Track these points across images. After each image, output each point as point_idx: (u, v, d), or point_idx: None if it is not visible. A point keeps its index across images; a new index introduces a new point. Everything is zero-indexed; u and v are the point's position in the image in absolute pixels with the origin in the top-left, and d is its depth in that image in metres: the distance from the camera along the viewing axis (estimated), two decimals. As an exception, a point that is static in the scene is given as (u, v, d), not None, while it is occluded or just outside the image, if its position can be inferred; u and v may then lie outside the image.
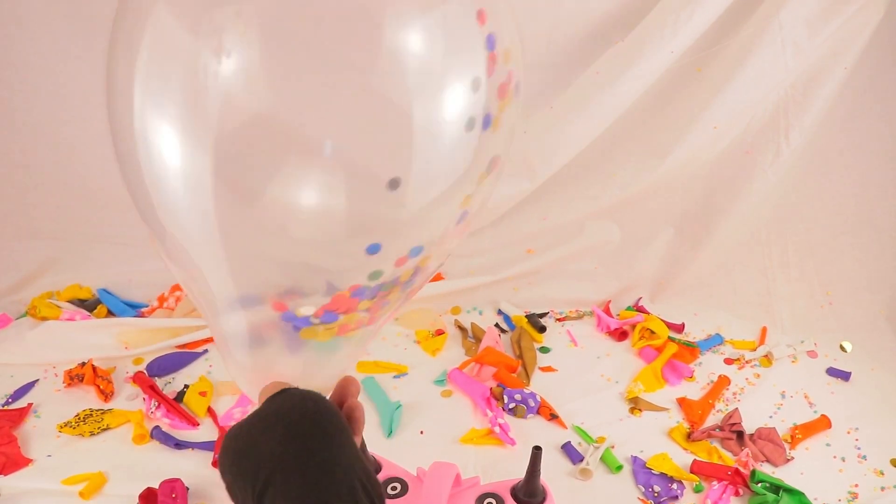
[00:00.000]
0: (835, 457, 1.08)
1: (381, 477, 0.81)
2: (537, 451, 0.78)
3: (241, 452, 0.50)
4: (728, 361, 1.30)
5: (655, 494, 0.99)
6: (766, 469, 1.03)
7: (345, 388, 0.58)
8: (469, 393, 1.19)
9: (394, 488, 0.79)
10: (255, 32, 0.46)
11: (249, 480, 0.48)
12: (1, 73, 1.32)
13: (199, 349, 1.30)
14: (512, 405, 1.15)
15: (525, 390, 1.17)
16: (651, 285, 1.53)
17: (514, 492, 0.79)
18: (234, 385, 1.21)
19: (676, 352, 1.31)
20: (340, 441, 0.50)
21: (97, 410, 1.12)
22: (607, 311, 1.47)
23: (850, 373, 1.25)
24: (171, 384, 1.21)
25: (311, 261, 0.57)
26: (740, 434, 1.10)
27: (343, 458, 0.49)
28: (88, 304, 1.41)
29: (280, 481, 0.46)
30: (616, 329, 1.39)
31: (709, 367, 1.29)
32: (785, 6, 1.23)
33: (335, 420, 0.51)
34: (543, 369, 1.29)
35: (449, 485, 0.77)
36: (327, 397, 0.57)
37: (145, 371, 1.22)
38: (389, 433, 1.10)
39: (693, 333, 1.40)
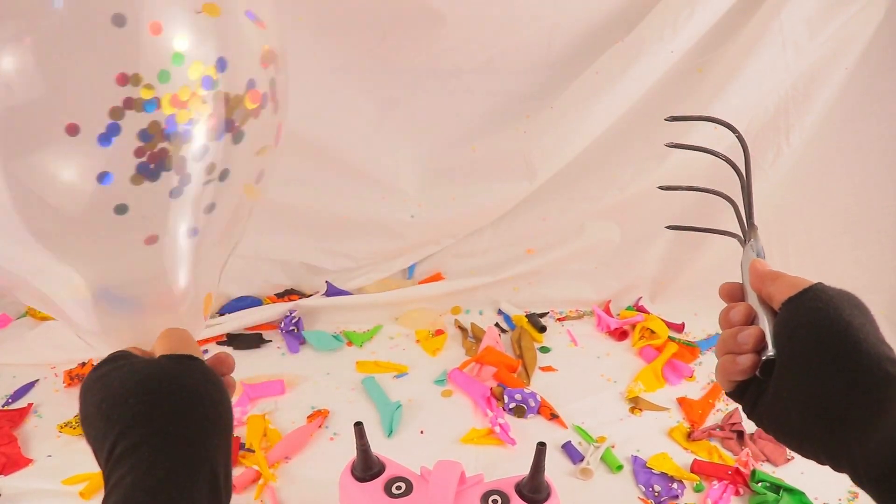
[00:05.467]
0: (835, 456, 1.08)
1: (385, 477, 0.81)
2: (542, 446, 0.78)
3: (112, 402, 0.46)
4: (728, 361, 1.30)
5: (656, 494, 0.99)
6: (766, 469, 1.03)
7: (223, 361, 0.56)
8: (469, 393, 1.19)
9: (398, 488, 0.79)
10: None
11: (109, 436, 0.45)
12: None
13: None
14: (512, 405, 1.15)
15: (525, 390, 1.17)
16: (651, 285, 1.53)
17: (519, 488, 0.79)
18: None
19: (676, 351, 1.31)
20: (219, 428, 0.48)
21: (97, 410, 1.12)
22: (607, 311, 1.47)
23: (850, 373, 1.25)
24: (171, 384, 1.21)
25: None
26: (741, 434, 1.10)
27: (209, 442, 0.47)
28: (88, 304, 1.41)
29: (143, 444, 0.44)
30: (616, 329, 1.39)
31: (709, 366, 1.29)
32: (785, 7, 1.23)
33: (224, 413, 0.50)
34: (544, 369, 1.29)
35: (455, 483, 0.77)
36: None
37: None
38: (389, 433, 1.10)
39: (693, 333, 1.40)
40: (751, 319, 0.50)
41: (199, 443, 0.46)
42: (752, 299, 0.51)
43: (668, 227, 0.69)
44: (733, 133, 0.58)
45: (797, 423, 0.45)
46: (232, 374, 0.57)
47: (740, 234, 0.58)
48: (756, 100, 1.32)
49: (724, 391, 0.52)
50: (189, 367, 0.50)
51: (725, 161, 0.58)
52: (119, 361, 0.50)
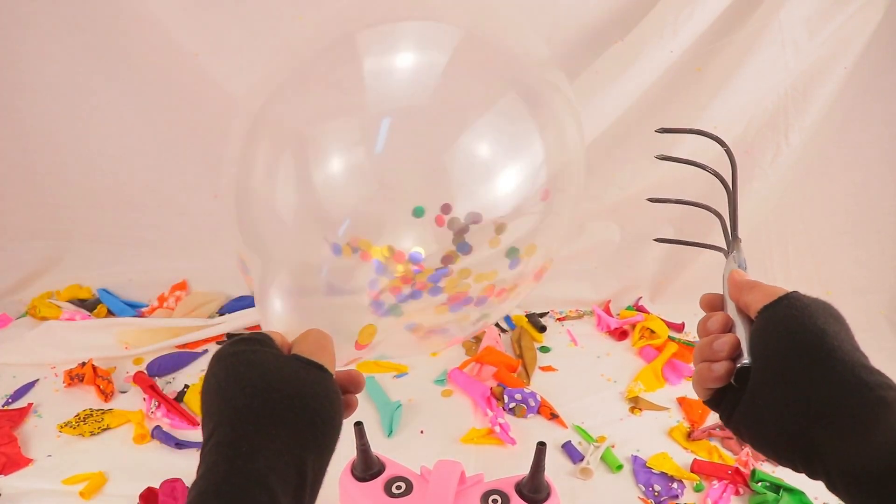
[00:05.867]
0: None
1: (385, 476, 0.81)
2: (542, 446, 0.77)
3: (231, 382, 0.46)
4: (728, 361, 1.30)
5: (656, 494, 0.99)
6: (766, 468, 1.03)
7: (354, 379, 0.55)
8: (469, 393, 1.19)
9: (398, 487, 0.79)
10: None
11: (219, 417, 0.45)
12: (2, 73, 1.32)
13: (199, 349, 1.30)
14: (512, 405, 1.15)
15: (525, 390, 1.17)
16: (651, 285, 1.53)
17: (519, 488, 0.78)
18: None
19: (676, 351, 1.32)
20: (324, 446, 0.47)
21: (97, 410, 1.12)
22: (607, 311, 1.47)
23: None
24: (171, 384, 1.21)
25: None
26: (740, 433, 1.10)
27: (307, 456, 0.46)
28: (88, 304, 1.41)
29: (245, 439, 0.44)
30: (616, 328, 1.39)
31: (709, 366, 1.29)
32: (785, 6, 1.24)
33: (331, 432, 0.48)
34: (544, 369, 1.29)
35: (455, 482, 0.77)
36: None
37: (145, 371, 1.22)
38: (390, 433, 1.10)
39: (693, 333, 1.40)
40: (728, 328, 0.51)
41: (297, 454, 0.45)
42: (731, 309, 0.51)
43: (657, 240, 0.70)
44: (721, 146, 0.59)
45: (772, 431, 0.45)
46: (356, 395, 0.56)
47: (724, 247, 0.59)
48: (755, 99, 1.32)
49: (701, 399, 0.52)
50: (316, 376, 0.49)
51: (713, 175, 0.59)
52: (255, 346, 0.49)
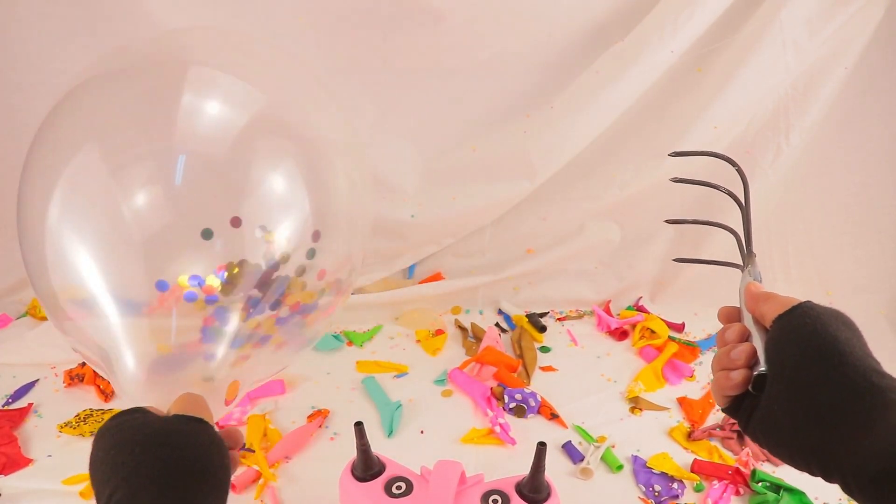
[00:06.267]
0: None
1: (385, 476, 0.81)
2: (542, 446, 0.78)
3: (120, 449, 0.49)
4: (728, 361, 1.30)
5: (656, 494, 0.99)
6: (766, 468, 1.03)
7: (233, 436, 0.60)
8: (469, 393, 1.19)
9: (399, 487, 0.79)
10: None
11: (113, 480, 0.48)
12: (2, 73, 1.32)
13: (200, 349, 1.30)
14: (512, 405, 1.15)
15: (525, 390, 1.17)
16: (651, 285, 1.53)
17: (519, 488, 0.79)
18: (235, 385, 1.20)
19: (677, 351, 1.32)
20: (217, 490, 0.51)
21: (97, 410, 1.12)
22: (607, 311, 1.47)
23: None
24: (171, 384, 1.21)
25: None
26: (741, 433, 1.10)
27: (204, 500, 0.49)
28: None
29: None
30: (616, 329, 1.39)
31: (709, 366, 1.29)
32: (785, 6, 1.24)
33: (222, 475, 0.52)
34: (544, 369, 1.29)
35: (455, 483, 0.77)
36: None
37: (145, 371, 1.22)
38: (390, 433, 1.10)
39: (693, 333, 1.40)
40: (745, 338, 0.52)
41: (194, 499, 0.49)
42: (748, 320, 0.53)
43: (676, 260, 0.73)
44: (733, 167, 0.61)
45: (788, 436, 0.47)
46: (237, 451, 0.61)
47: (740, 263, 0.60)
48: (756, 99, 1.32)
49: (719, 407, 0.53)
50: (197, 429, 0.53)
51: (726, 193, 0.61)
52: (134, 414, 0.53)
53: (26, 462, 1.02)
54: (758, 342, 0.50)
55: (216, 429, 0.55)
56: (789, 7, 1.24)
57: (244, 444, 0.61)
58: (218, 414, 0.61)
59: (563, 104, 1.36)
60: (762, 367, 0.48)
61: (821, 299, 0.52)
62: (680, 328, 1.41)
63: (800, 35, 1.26)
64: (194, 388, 0.60)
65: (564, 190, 1.45)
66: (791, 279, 1.45)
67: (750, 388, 0.49)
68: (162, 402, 0.58)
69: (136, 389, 0.61)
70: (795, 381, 0.46)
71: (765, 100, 1.32)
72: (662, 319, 1.41)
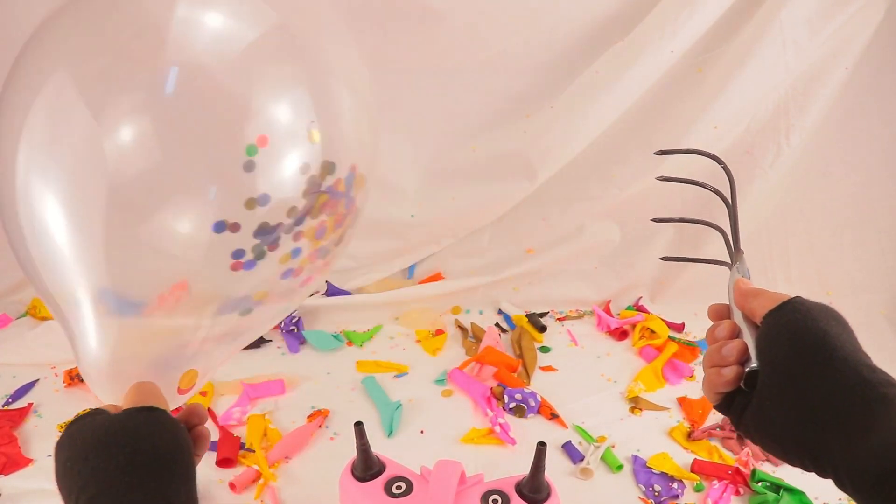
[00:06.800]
0: (835, 456, 1.08)
1: (385, 476, 0.81)
2: (542, 446, 0.78)
3: (75, 460, 0.49)
4: (728, 361, 1.30)
5: (656, 494, 0.99)
6: (766, 468, 1.03)
7: (195, 412, 0.60)
8: (469, 393, 1.19)
9: (399, 487, 0.79)
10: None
11: (74, 490, 0.48)
12: (2, 73, 1.32)
13: (200, 349, 1.30)
14: (512, 405, 1.15)
15: (525, 390, 1.17)
16: (651, 285, 1.53)
17: (519, 488, 0.79)
18: (235, 385, 1.21)
19: (677, 351, 1.32)
20: (177, 474, 0.51)
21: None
22: (607, 311, 1.47)
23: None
24: (171, 384, 1.21)
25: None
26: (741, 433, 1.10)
27: (167, 488, 0.49)
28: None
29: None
30: (616, 328, 1.39)
31: (709, 366, 1.29)
32: (785, 6, 1.23)
33: (181, 459, 0.52)
34: (544, 369, 1.29)
35: (455, 482, 0.77)
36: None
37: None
38: (390, 433, 1.10)
39: (693, 333, 1.40)
40: (735, 335, 0.52)
41: (156, 490, 0.48)
42: (738, 317, 0.53)
43: (664, 259, 0.73)
44: (718, 164, 0.61)
45: (780, 431, 0.47)
46: (204, 426, 0.60)
47: (727, 261, 0.60)
48: (756, 100, 1.32)
49: (711, 404, 0.53)
50: (146, 418, 0.53)
51: (713, 192, 0.61)
52: (86, 419, 0.53)
53: (26, 462, 1.02)
54: (748, 338, 0.50)
55: (169, 413, 0.55)
56: (789, 7, 1.24)
57: (206, 417, 0.61)
58: (173, 403, 0.61)
59: (563, 104, 1.36)
60: (753, 364, 0.48)
61: (821, 299, 0.52)
62: (680, 328, 1.41)
63: (800, 35, 1.26)
64: (146, 375, 0.59)
65: (564, 190, 1.45)
66: (791, 279, 1.45)
67: (742, 384, 0.49)
68: (123, 385, 0.58)
69: (98, 374, 0.60)
70: (787, 376, 0.46)
71: (765, 100, 1.32)
72: (662, 319, 1.41)
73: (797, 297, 0.49)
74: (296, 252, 0.63)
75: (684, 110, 1.35)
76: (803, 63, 1.28)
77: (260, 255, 0.60)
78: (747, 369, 0.48)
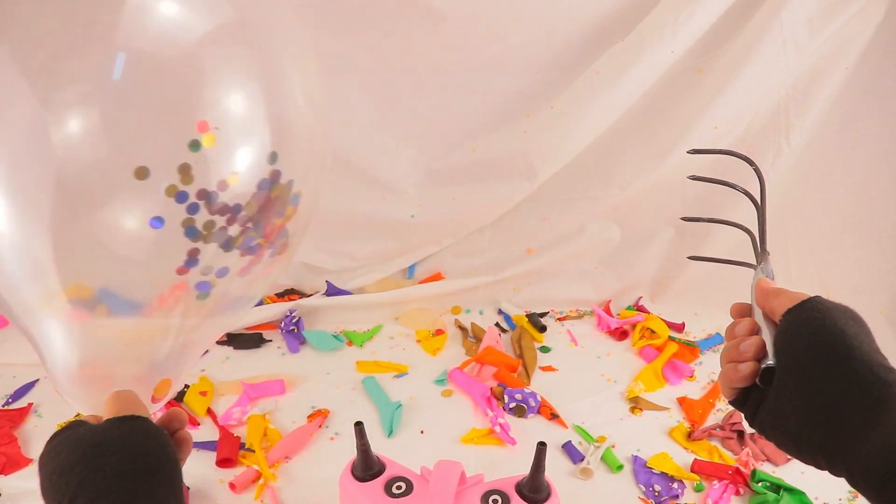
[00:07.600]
0: (835, 456, 1.08)
1: (385, 477, 0.81)
2: (542, 446, 0.78)
3: (61, 472, 0.49)
4: (728, 361, 1.30)
5: (656, 494, 0.99)
6: (766, 468, 1.03)
7: (175, 416, 0.60)
8: (469, 393, 1.19)
9: (399, 487, 0.79)
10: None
11: (61, 498, 0.48)
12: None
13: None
14: (512, 405, 1.15)
15: (525, 390, 1.17)
16: (651, 285, 1.53)
17: (519, 488, 0.79)
18: (235, 385, 1.21)
19: (677, 351, 1.31)
20: (163, 480, 0.51)
21: (97, 410, 1.12)
22: (607, 311, 1.47)
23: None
24: (171, 384, 1.21)
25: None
26: (741, 433, 1.10)
27: (154, 494, 0.50)
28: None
29: None
30: (616, 328, 1.39)
31: (709, 366, 1.29)
32: (786, 6, 1.23)
33: (168, 465, 0.52)
34: (544, 369, 1.29)
35: (455, 482, 0.77)
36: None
37: (145, 371, 1.22)
38: (390, 433, 1.10)
39: (693, 333, 1.40)
40: (754, 333, 0.53)
41: (146, 496, 0.49)
42: (758, 315, 0.54)
43: (691, 258, 0.74)
44: (750, 165, 0.62)
45: (795, 429, 0.47)
46: (186, 429, 0.61)
47: (752, 261, 0.61)
48: (756, 100, 1.32)
49: (727, 399, 0.54)
50: (131, 427, 0.53)
51: (743, 193, 0.62)
52: (69, 431, 0.53)
53: (26, 462, 1.02)
54: (767, 337, 0.51)
55: (152, 421, 0.55)
56: (789, 7, 1.24)
57: (186, 421, 0.61)
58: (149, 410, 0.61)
59: (563, 104, 1.36)
60: (770, 361, 0.49)
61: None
62: (680, 328, 1.41)
63: (800, 35, 1.26)
64: (124, 384, 0.60)
65: (564, 190, 1.45)
66: (791, 279, 1.45)
67: (758, 381, 0.50)
68: (99, 397, 0.59)
69: (71, 385, 0.60)
70: (803, 374, 0.46)
71: (765, 100, 1.32)
72: (662, 319, 1.41)
73: (817, 296, 0.49)
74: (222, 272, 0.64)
75: (684, 110, 1.35)
76: (803, 63, 1.28)
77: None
78: (763, 366, 0.49)
